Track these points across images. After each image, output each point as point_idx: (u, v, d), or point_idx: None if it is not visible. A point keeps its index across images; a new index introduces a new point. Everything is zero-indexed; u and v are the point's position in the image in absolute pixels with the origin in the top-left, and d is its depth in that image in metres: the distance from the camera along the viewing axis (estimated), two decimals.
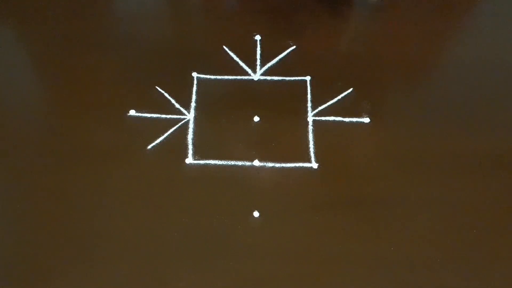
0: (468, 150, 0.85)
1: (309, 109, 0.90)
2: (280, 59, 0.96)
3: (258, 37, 0.99)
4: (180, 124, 0.88)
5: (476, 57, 0.97)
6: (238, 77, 0.94)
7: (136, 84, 0.92)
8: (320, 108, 0.90)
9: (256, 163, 0.84)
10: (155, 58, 0.96)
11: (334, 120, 0.89)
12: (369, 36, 1.00)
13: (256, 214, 0.79)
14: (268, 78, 0.94)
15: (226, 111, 0.90)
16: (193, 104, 0.90)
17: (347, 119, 0.89)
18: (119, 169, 0.83)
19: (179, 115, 0.89)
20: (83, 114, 0.89)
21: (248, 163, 0.84)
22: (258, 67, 0.95)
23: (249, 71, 0.95)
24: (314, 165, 0.84)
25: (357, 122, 0.89)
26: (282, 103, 0.92)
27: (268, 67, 0.95)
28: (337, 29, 1.00)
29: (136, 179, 0.82)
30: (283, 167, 0.84)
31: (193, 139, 0.87)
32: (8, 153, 0.85)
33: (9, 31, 1.02)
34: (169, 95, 0.91)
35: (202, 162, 0.84)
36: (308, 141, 0.86)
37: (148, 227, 0.78)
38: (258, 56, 0.96)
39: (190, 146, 0.86)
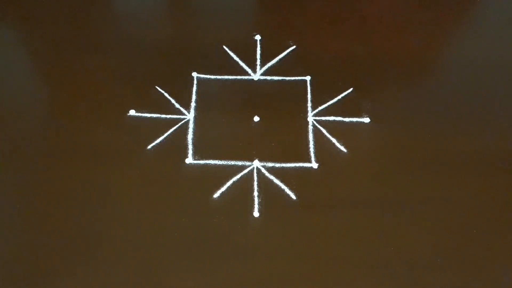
0: (468, 150, 0.85)
1: (309, 109, 0.90)
2: (280, 59, 0.96)
3: (258, 37, 0.99)
4: (180, 124, 0.88)
5: (477, 57, 0.97)
6: (238, 77, 0.94)
7: (136, 84, 0.93)
8: (320, 108, 0.90)
9: (256, 163, 0.84)
10: (155, 58, 0.96)
11: (334, 120, 0.89)
12: (369, 36, 1.00)
13: (256, 213, 0.79)
14: (268, 78, 0.94)
15: (226, 111, 0.90)
16: (193, 104, 0.90)
17: (347, 119, 0.89)
18: (119, 169, 0.83)
19: (179, 115, 0.89)
20: (83, 114, 0.89)
21: (248, 163, 0.84)
22: (258, 67, 0.95)
23: (249, 71, 0.95)
24: (314, 165, 0.84)
25: (357, 122, 0.89)
26: (282, 103, 0.92)
27: (268, 67, 0.95)
28: (338, 29, 1.00)
29: (136, 179, 0.82)
30: (283, 167, 0.84)
31: (193, 139, 0.87)
32: (8, 153, 0.85)
33: (9, 31, 1.02)
34: (169, 95, 0.91)
35: (202, 162, 0.84)
36: (308, 141, 0.86)
37: (148, 227, 0.78)
38: (258, 56, 0.96)
39: (190, 146, 0.86)
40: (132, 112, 0.89)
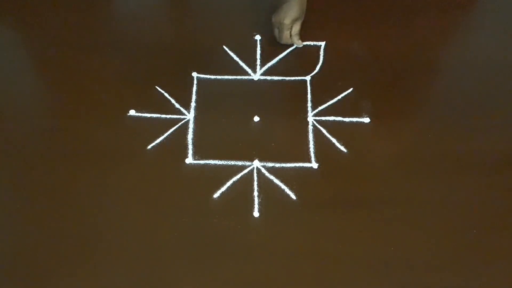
0: (468, 150, 0.85)
1: (309, 109, 0.90)
2: (280, 59, 0.96)
3: (258, 37, 0.99)
4: (180, 124, 0.88)
5: (476, 57, 0.97)
6: (238, 77, 0.94)
7: (136, 84, 0.93)
8: (320, 108, 0.90)
9: (256, 163, 0.84)
10: (155, 58, 0.96)
11: (334, 120, 0.89)
12: (369, 36, 1.00)
13: (256, 213, 0.79)
14: (268, 78, 0.94)
15: (226, 111, 0.90)
16: (193, 104, 0.90)
17: (347, 119, 0.89)
18: (119, 169, 0.83)
19: (179, 115, 0.89)
20: (83, 114, 0.89)
21: (248, 163, 0.84)
22: (258, 67, 0.95)
23: (249, 71, 0.95)
24: (314, 165, 0.84)
25: (357, 122, 0.89)
26: (282, 103, 0.92)
27: (268, 67, 0.95)
28: (338, 29, 1.00)
29: (136, 179, 0.82)
30: (283, 167, 0.84)
31: (193, 139, 0.87)
32: (8, 153, 0.85)
33: (9, 31, 1.02)
34: (169, 95, 0.91)
35: (202, 162, 0.84)
36: (308, 141, 0.86)
37: (148, 227, 0.78)
38: (258, 56, 0.96)
39: (190, 146, 0.86)
40: (132, 112, 0.89)
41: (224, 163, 0.84)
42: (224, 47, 0.97)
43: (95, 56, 0.96)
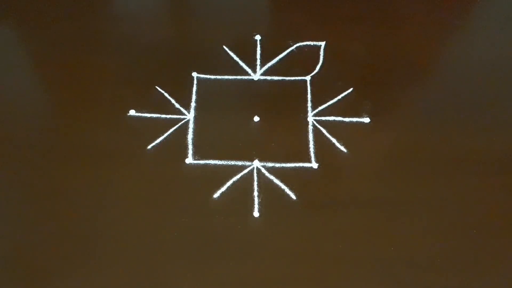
0: (468, 150, 0.85)
1: (309, 109, 0.90)
2: (280, 59, 0.96)
3: (258, 37, 0.99)
4: (180, 124, 0.88)
5: (477, 57, 0.97)
6: (238, 77, 0.94)
7: (136, 84, 0.93)
8: (320, 108, 0.90)
9: (256, 163, 0.84)
10: (155, 58, 0.96)
11: (334, 120, 0.89)
12: (369, 36, 1.00)
13: (256, 213, 0.79)
14: (268, 78, 0.94)
15: (226, 111, 0.90)
16: (193, 104, 0.91)
17: (347, 119, 0.89)
18: (119, 169, 0.83)
19: (179, 115, 0.89)
20: (83, 114, 0.89)
21: (248, 163, 0.84)
22: (258, 67, 0.95)
23: (249, 71, 0.95)
24: (314, 165, 0.84)
25: (357, 122, 0.89)
26: (282, 103, 0.92)
27: (268, 67, 0.95)
28: (338, 29, 1.00)
29: (136, 179, 0.82)
30: (283, 167, 0.84)
31: (193, 139, 0.87)
32: (8, 153, 0.85)
33: (9, 31, 1.02)
34: (169, 95, 0.91)
35: (202, 162, 0.84)
36: (308, 141, 0.86)
37: (148, 227, 0.78)
38: (258, 56, 0.96)
39: (190, 146, 0.86)
40: (132, 112, 0.89)
41: (224, 163, 0.84)
42: (224, 47, 0.97)
43: (95, 56, 0.96)
